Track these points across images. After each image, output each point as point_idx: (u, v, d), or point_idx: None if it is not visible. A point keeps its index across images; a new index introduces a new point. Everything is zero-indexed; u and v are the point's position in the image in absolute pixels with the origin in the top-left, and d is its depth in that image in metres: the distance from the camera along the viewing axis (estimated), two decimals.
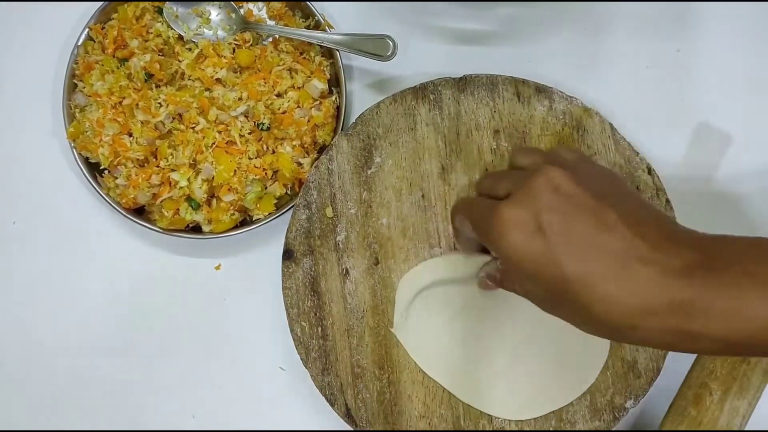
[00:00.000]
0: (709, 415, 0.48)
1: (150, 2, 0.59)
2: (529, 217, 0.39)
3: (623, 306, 0.36)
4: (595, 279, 0.37)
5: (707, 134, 0.60)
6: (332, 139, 0.58)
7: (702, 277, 0.35)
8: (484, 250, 0.51)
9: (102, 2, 0.59)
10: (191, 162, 0.56)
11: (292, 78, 0.58)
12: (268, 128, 0.56)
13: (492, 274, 0.46)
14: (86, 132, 0.57)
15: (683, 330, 0.35)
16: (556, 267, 0.37)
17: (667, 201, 0.55)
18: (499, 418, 0.54)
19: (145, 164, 0.57)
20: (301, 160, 0.57)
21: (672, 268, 0.36)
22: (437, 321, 0.54)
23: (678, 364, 0.57)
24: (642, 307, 0.36)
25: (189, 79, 0.58)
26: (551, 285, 0.38)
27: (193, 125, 0.56)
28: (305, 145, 0.58)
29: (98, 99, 0.57)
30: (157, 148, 0.57)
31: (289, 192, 0.58)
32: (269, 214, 0.57)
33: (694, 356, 0.54)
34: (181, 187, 0.56)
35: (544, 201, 0.39)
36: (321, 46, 0.59)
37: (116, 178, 0.57)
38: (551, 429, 0.54)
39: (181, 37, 0.59)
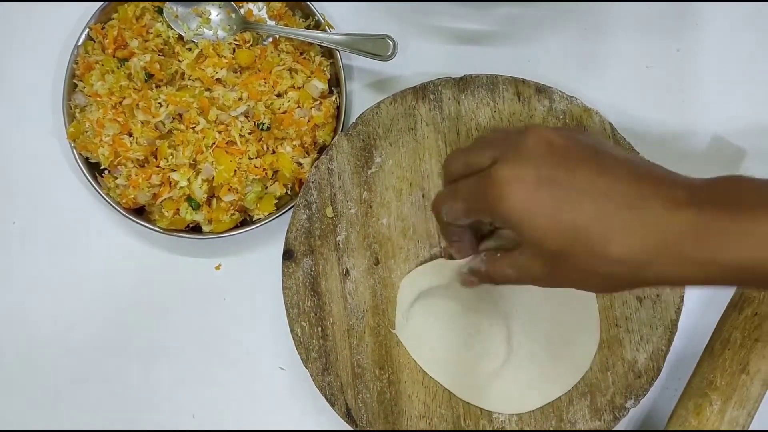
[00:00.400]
0: (710, 425, 0.48)
1: (150, 2, 0.59)
2: (529, 172, 0.38)
3: (638, 242, 0.36)
4: (608, 220, 0.36)
5: (707, 134, 0.60)
6: (332, 139, 0.58)
7: (711, 204, 0.35)
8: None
9: (102, 2, 0.59)
10: (191, 162, 0.56)
11: (292, 78, 0.58)
12: (268, 128, 0.56)
13: (477, 268, 0.45)
14: (86, 132, 0.57)
15: (696, 259, 0.35)
16: (567, 214, 0.37)
17: None
18: (500, 416, 0.54)
19: (145, 164, 0.57)
20: (301, 160, 0.57)
21: (680, 199, 0.36)
22: (438, 322, 0.54)
23: (679, 364, 0.57)
24: (656, 240, 0.36)
25: (189, 79, 0.58)
26: (560, 239, 0.37)
27: (193, 125, 0.56)
28: (305, 145, 0.58)
29: (98, 99, 0.57)
30: (157, 148, 0.57)
31: (289, 192, 0.58)
32: (269, 214, 0.57)
33: (694, 357, 0.54)
34: (181, 187, 0.56)
35: (540, 155, 0.38)
36: (321, 46, 0.59)
37: (116, 178, 0.57)
38: (551, 429, 0.54)
39: (181, 37, 0.59)
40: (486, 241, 0.48)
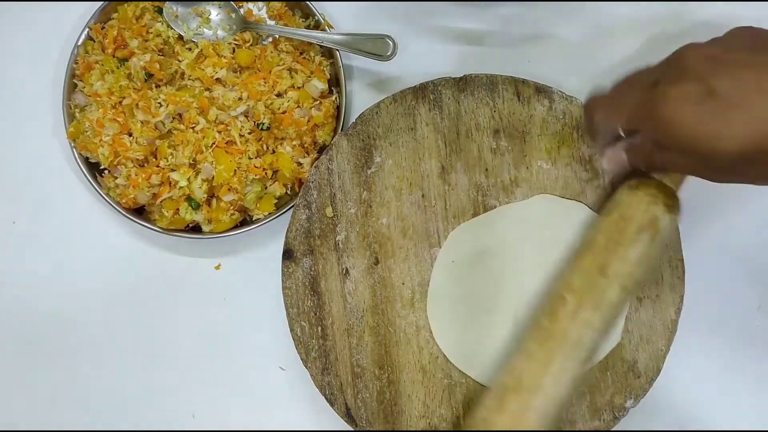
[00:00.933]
0: (562, 327, 0.45)
1: (150, 2, 0.59)
2: (697, 87, 0.37)
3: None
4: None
5: None
6: (332, 139, 0.58)
7: None
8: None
9: (102, 2, 0.59)
10: (191, 162, 0.56)
11: (292, 78, 0.58)
12: (268, 128, 0.56)
13: (636, 146, 0.43)
14: (86, 132, 0.57)
15: None
16: (744, 125, 0.37)
17: None
18: None
19: (145, 164, 0.57)
20: (301, 160, 0.57)
21: None
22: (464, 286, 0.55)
23: (677, 365, 0.57)
24: None
25: (189, 79, 0.58)
26: (739, 148, 0.37)
27: (193, 125, 0.56)
28: (305, 145, 0.58)
29: (98, 99, 0.57)
30: (156, 148, 0.57)
31: (289, 192, 0.58)
32: (269, 214, 0.57)
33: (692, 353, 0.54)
34: (180, 187, 0.56)
35: (704, 69, 0.38)
36: (321, 46, 0.59)
37: (116, 177, 0.57)
38: (551, 429, 0.54)
39: (181, 37, 0.59)
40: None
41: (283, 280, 0.55)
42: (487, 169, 0.56)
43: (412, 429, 0.54)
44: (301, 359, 0.54)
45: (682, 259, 0.54)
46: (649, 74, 0.41)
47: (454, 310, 0.55)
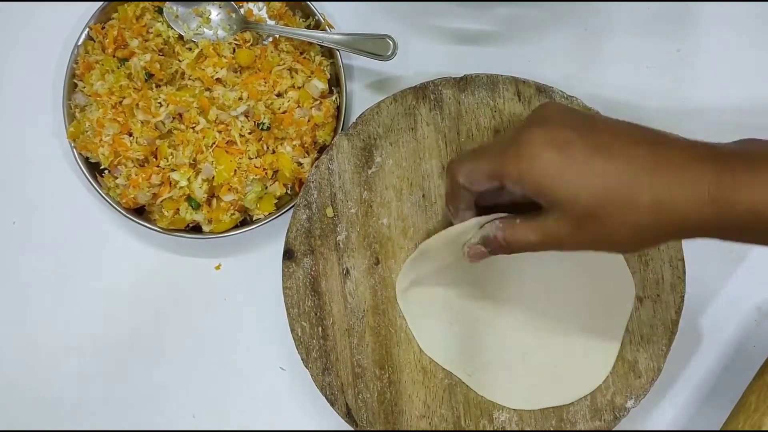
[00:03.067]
0: None
1: (150, 2, 0.59)
2: (558, 135, 0.39)
3: (665, 190, 0.38)
4: (637, 175, 0.38)
5: (707, 135, 0.60)
6: (332, 139, 0.58)
7: (728, 157, 0.38)
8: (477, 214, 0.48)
9: (102, 2, 0.59)
10: (191, 162, 0.56)
11: (292, 78, 0.58)
12: (268, 128, 0.56)
13: (491, 236, 0.44)
14: (86, 132, 0.57)
15: (714, 198, 0.37)
16: (599, 172, 0.38)
17: None
18: (500, 416, 0.54)
19: (145, 164, 0.57)
20: (301, 160, 0.57)
21: (701, 153, 0.39)
22: (435, 307, 0.55)
23: (678, 364, 0.57)
24: (680, 186, 0.38)
25: (189, 79, 0.58)
26: (594, 196, 0.38)
27: (194, 125, 0.56)
28: (305, 145, 0.58)
29: (98, 99, 0.57)
30: (157, 148, 0.56)
31: (289, 192, 0.58)
32: (269, 214, 0.57)
33: (692, 353, 0.54)
34: (181, 187, 0.56)
35: (565, 119, 0.40)
36: (321, 46, 0.59)
37: (116, 177, 0.57)
38: (551, 429, 0.54)
39: (181, 37, 0.59)
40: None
41: (283, 280, 0.55)
42: None
43: (413, 429, 0.54)
44: (302, 359, 0.54)
45: (683, 259, 0.54)
46: (512, 131, 0.43)
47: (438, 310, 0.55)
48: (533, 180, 0.39)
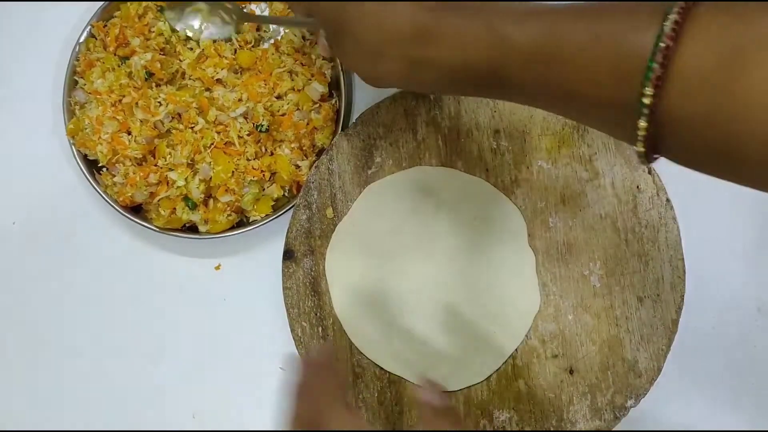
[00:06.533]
0: None
1: (152, 1, 0.59)
2: None
3: (379, 31, 0.39)
4: (364, 7, 0.39)
5: None
6: (331, 141, 0.58)
7: (447, 9, 0.38)
8: None
9: (104, 1, 0.59)
10: (189, 162, 0.56)
11: (292, 80, 0.58)
12: (267, 130, 0.56)
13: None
14: (85, 129, 0.57)
15: (418, 57, 0.38)
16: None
17: (668, 200, 0.55)
18: (500, 416, 0.54)
19: (143, 163, 0.57)
20: (299, 163, 0.57)
21: (424, 4, 0.39)
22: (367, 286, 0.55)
23: (678, 364, 0.57)
24: (391, 34, 0.39)
25: (189, 79, 0.58)
26: (337, 11, 0.40)
27: (192, 125, 0.56)
28: (303, 148, 0.58)
29: (98, 96, 0.57)
30: (155, 147, 0.56)
31: (286, 194, 0.58)
32: (266, 215, 0.57)
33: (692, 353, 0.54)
34: (178, 187, 0.56)
35: None
36: None
37: (114, 175, 0.57)
38: (552, 429, 0.54)
39: (182, 37, 0.59)
40: None
41: (283, 281, 0.55)
42: (487, 169, 0.56)
43: (413, 429, 0.54)
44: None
45: (683, 259, 0.54)
46: None
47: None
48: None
